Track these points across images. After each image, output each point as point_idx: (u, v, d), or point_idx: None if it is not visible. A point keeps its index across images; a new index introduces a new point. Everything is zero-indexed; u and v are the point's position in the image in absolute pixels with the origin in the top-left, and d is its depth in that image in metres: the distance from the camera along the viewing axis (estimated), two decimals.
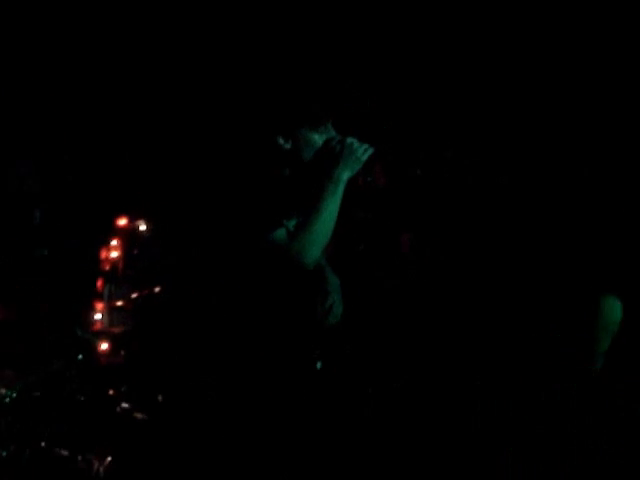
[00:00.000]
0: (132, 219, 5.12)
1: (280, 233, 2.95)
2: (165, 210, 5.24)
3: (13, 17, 4.91)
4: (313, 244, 2.94)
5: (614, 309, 3.90)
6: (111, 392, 3.95)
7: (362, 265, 3.83)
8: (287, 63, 4.97)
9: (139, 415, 3.69)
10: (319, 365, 3.24)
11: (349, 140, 3.00)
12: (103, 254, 5.02)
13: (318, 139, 3.04)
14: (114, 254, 5.03)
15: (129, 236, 5.09)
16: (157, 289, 4.50)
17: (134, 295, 4.42)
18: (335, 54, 4.96)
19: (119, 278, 4.90)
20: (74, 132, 5.58)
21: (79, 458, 3.50)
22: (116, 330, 4.51)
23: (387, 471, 3.86)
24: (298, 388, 3.09)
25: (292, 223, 3.07)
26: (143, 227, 5.15)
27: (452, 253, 4.49)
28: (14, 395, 3.47)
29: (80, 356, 3.84)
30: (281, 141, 3.03)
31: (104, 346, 4.23)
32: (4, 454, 3.39)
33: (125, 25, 5.20)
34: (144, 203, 5.28)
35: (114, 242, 5.04)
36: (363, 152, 2.98)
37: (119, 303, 4.51)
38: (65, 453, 3.54)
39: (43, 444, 3.53)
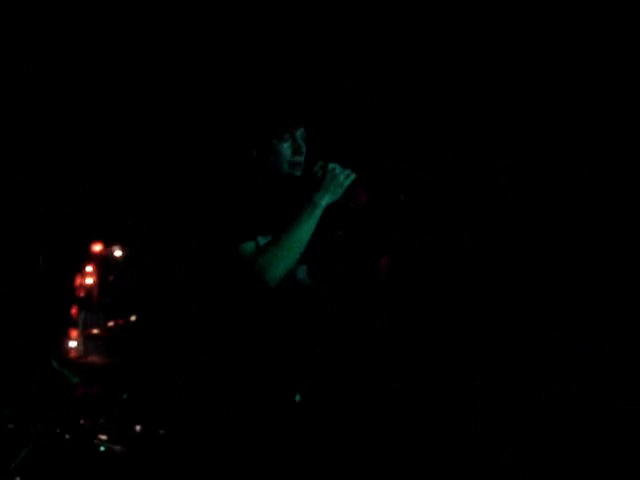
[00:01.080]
0: (107, 244, 5.06)
1: (249, 245, 2.93)
2: (141, 228, 5.18)
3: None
4: (279, 263, 2.92)
5: None
6: (86, 423, 3.87)
7: (340, 285, 3.79)
8: (259, 71, 4.95)
9: (116, 447, 3.62)
10: (297, 397, 3.21)
11: (331, 166, 2.99)
12: (78, 280, 4.95)
13: (286, 149, 3.03)
14: (89, 280, 4.96)
15: (104, 262, 5.03)
16: (133, 317, 4.41)
17: (110, 323, 4.34)
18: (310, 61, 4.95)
19: (94, 305, 4.84)
20: (48, 153, 5.53)
21: None
22: (92, 359, 4.44)
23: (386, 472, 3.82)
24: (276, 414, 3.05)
25: (263, 240, 3.05)
26: (118, 253, 5.08)
27: (432, 278, 4.47)
28: None
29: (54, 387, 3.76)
30: (254, 153, 3.02)
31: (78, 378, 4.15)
32: None
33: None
34: (119, 228, 5.22)
35: (89, 268, 4.97)
36: (345, 178, 2.97)
37: (95, 331, 4.42)
38: None
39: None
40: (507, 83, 4.65)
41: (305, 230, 2.95)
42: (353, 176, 2.96)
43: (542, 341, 4.33)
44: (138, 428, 3.92)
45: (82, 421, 3.81)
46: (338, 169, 2.97)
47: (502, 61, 4.66)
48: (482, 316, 4.22)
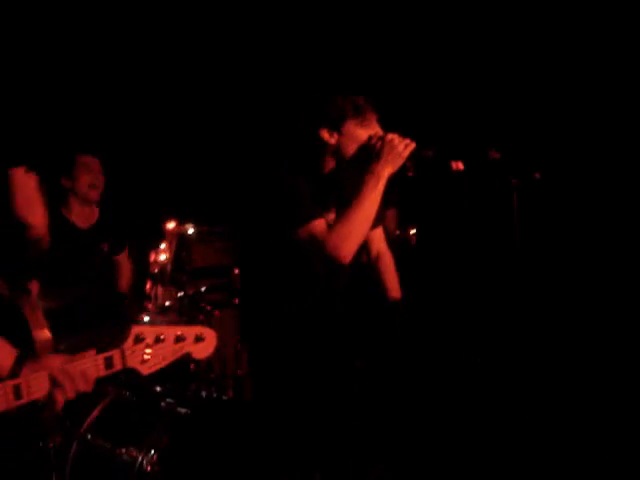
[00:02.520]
0: (180, 222, 5.18)
1: (318, 224, 2.98)
2: (214, 209, 5.31)
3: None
4: (350, 238, 2.95)
5: None
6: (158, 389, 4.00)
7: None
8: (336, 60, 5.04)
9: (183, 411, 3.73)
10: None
11: (390, 136, 3.02)
12: (152, 257, 5.07)
13: (363, 134, 3.06)
14: (162, 257, 5.08)
15: (177, 239, 5.14)
16: (203, 288, 4.54)
17: (180, 294, 4.47)
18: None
19: (167, 281, 4.95)
20: (123, 140, 5.71)
21: (123, 451, 3.54)
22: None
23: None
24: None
25: (331, 216, 3.11)
26: (191, 230, 5.20)
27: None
28: None
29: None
30: (326, 135, 3.06)
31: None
32: (50, 445, 3.44)
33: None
34: (192, 207, 5.36)
35: (163, 245, 5.09)
36: (404, 148, 3.00)
37: (167, 303, 4.56)
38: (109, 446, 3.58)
39: (89, 436, 3.58)
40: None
41: (370, 202, 2.98)
42: (412, 145, 3.01)
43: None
44: (204, 394, 4.04)
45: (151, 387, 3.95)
46: (397, 139, 3.02)
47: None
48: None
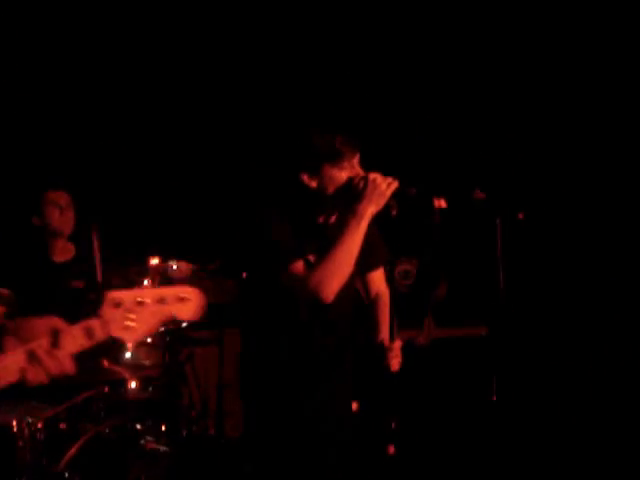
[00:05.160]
0: (164, 259, 5.16)
1: (298, 266, 2.97)
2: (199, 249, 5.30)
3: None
4: (332, 277, 2.94)
5: None
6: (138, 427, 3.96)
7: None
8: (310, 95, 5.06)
9: (163, 449, 3.70)
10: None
11: (372, 176, 3.02)
12: None
13: (342, 176, 3.05)
14: None
15: (160, 276, 5.13)
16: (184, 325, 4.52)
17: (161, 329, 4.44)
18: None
19: None
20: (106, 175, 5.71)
21: None
22: (145, 364, 4.54)
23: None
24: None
25: (312, 256, 3.09)
26: (175, 267, 5.19)
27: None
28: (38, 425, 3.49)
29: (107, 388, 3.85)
30: (306, 179, 3.05)
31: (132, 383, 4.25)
32: None
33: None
34: (176, 243, 5.36)
35: (146, 282, 5.08)
36: (387, 186, 2.99)
37: (148, 340, 4.53)
38: None
39: (67, 474, 3.54)
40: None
41: (353, 242, 2.95)
42: (395, 184, 3.00)
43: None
44: (184, 432, 4.01)
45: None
46: (379, 178, 3.02)
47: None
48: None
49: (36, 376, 1.99)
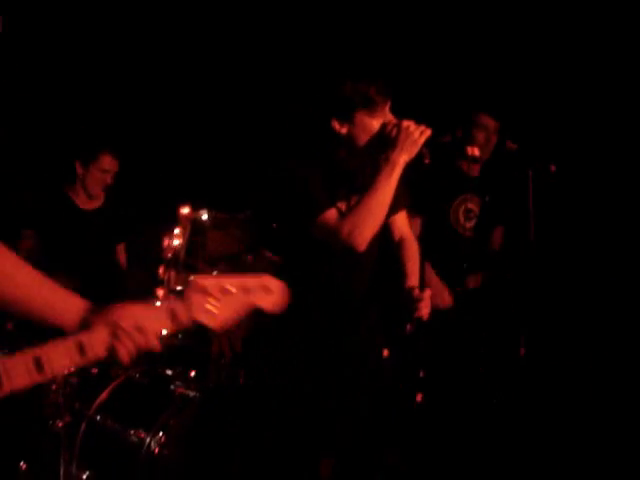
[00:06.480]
0: (194, 208, 5.18)
1: (330, 214, 2.95)
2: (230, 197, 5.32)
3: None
4: (365, 225, 2.91)
5: None
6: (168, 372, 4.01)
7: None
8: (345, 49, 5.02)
9: (192, 394, 3.73)
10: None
11: (406, 123, 2.98)
12: (165, 242, 5.07)
13: (374, 124, 3.02)
14: (176, 242, 5.08)
15: (191, 225, 5.14)
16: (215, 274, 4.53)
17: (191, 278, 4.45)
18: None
19: (180, 265, 4.95)
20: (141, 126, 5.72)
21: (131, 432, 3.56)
22: None
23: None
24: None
25: (344, 206, 3.07)
26: (205, 216, 5.20)
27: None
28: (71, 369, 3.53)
29: None
30: (337, 126, 3.02)
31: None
32: (59, 425, 3.45)
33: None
34: (207, 192, 5.37)
35: (177, 230, 5.10)
36: (420, 135, 2.96)
37: (179, 288, 4.56)
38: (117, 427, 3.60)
39: (98, 417, 3.60)
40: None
41: (387, 190, 2.91)
42: (428, 132, 2.94)
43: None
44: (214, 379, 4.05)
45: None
46: (413, 126, 2.98)
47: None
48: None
49: (124, 351, 2.00)
